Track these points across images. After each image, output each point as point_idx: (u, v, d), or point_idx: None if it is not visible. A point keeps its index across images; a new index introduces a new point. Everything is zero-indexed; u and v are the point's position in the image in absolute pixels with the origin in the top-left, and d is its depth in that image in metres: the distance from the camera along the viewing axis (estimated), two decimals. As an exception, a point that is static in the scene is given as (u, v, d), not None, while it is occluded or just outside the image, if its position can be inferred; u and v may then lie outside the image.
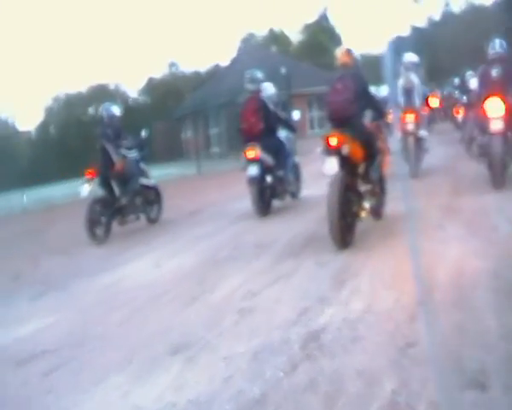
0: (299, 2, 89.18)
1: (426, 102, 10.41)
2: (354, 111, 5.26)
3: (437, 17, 38.86)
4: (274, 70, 22.11)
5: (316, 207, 7.02)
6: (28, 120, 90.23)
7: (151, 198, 8.66)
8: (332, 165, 5.02)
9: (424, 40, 38.24)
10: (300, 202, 8.29)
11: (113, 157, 7.91)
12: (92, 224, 7.56)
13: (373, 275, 4.23)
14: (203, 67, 48.86)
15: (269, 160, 7.66)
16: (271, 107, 7.94)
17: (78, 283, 5.79)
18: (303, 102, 27.31)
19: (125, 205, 7.97)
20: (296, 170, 8.45)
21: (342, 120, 5.23)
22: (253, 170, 7.42)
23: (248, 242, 6.31)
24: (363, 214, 5.40)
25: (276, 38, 48.86)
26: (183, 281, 5.21)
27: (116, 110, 8.49)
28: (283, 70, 19.84)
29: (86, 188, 7.69)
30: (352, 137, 5.09)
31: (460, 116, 13.86)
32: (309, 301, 3.92)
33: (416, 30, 40.57)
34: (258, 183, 7.45)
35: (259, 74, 8.12)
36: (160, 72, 51.11)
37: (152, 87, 50.14)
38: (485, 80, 7.10)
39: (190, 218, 8.84)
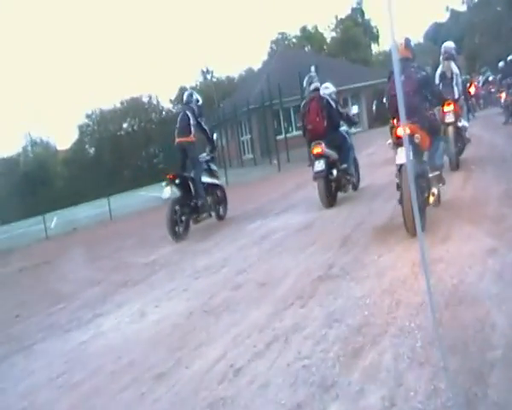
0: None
1: (466, 90, 10.20)
2: (419, 102, 5.45)
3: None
4: (307, 70, 23.24)
5: (376, 197, 7.69)
6: (67, 138, 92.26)
7: (220, 197, 9.37)
8: (403, 154, 5.08)
9: (463, 25, 36.87)
10: (361, 193, 8.60)
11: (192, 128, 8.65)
12: (173, 223, 8.17)
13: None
14: (236, 71, 48.42)
15: (333, 154, 8.12)
16: (333, 104, 8.44)
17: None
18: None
19: (200, 204, 8.62)
20: (355, 162, 8.87)
21: (409, 111, 5.07)
22: (320, 165, 7.86)
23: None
24: (432, 200, 5.46)
25: (309, 37, 48.00)
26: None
27: (198, 96, 9.35)
28: (312, 68, 19.59)
29: (167, 190, 8.35)
30: (420, 126, 5.26)
31: (503, 100, 13.80)
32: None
33: (454, 14, 38.90)
34: (324, 176, 7.89)
35: (316, 76, 9.12)
36: (192, 80, 51.03)
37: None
38: None
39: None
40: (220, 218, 9.35)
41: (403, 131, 4.90)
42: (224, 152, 29.06)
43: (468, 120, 11.38)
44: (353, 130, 10.76)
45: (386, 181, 7.70)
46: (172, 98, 52.45)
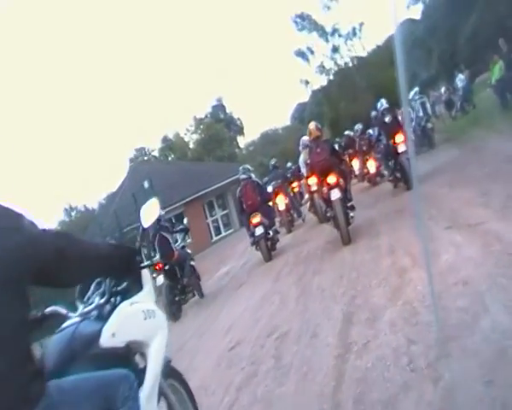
0: (190, 99, 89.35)
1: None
2: (332, 162, 8.48)
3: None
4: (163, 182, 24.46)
5: (294, 245, 11.33)
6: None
7: (198, 276, 10.63)
8: (336, 193, 7.99)
9: (321, 100, 38.11)
10: (282, 247, 11.60)
11: (173, 247, 9.57)
12: (170, 306, 9.05)
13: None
14: (92, 201, 44.91)
15: (266, 221, 10.85)
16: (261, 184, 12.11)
17: None
18: (199, 207, 26.62)
19: (187, 284, 9.75)
20: None
21: (324, 170, 8.30)
22: (259, 230, 10.53)
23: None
24: (351, 221, 8.52)
25: (172, 145, 46.37)
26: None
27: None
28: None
29: (161, 278, 9.03)
30: (339, 175, 8.35)
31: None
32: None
33: (314, 93, 40.16)
34: (264, 238, 10.61)
35: (249, 167, 11.97)
36: (53, 220, 46.50)
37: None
38: None
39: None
40: (202, 295, 10.39)
41: (332, 178, 8.09)
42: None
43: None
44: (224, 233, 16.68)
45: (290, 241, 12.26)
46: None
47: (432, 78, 31.19)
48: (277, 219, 13.29)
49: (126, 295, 2.51)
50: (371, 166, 14.66)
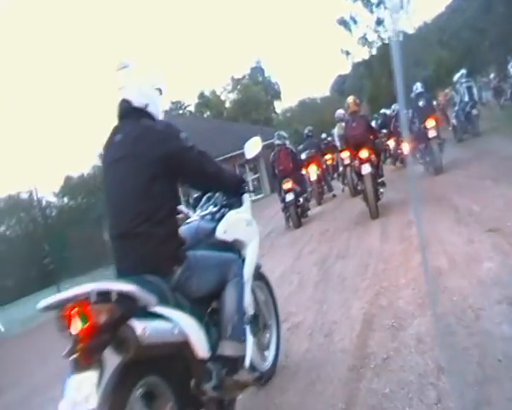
0: (229, 59, 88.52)
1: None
2: (368, 136, 8.79)
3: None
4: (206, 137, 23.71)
5: (326, 215, 11.55)
6: None
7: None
8: (367, 167, 8.24)
9: (364, 74, 37.13)
10: (310, 219, 11.75)
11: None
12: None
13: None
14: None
15: (298, 188, 11.25)
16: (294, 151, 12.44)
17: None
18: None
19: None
20: None
21: (358, 144, 8.49)
22: (290, 196, 10.87)
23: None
24: (381, 197, 8.73)
25: (208, 102, 45.69)
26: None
27: None
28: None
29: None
30: (372, 150, 8.57)
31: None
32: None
33: (355, 66, 38.92)
34: (294, 204, 10.97)
35: (284, 134, 12.24)
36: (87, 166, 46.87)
37: (70, 187, 45.55)
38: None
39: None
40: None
41: (365, 153, 8.32)
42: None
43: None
44: (254, 197, 14.17)
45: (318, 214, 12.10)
46: (57, 191, 47.51)
47: (481, 61, 29.83)
48: (308, 190, 13.07)
49: (231, 208, 3.42)
50: (405, 147, 14.27)
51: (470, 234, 5.22)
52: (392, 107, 15.98)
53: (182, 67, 77.90)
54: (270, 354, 3.74)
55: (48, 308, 2.27)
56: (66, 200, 47.34)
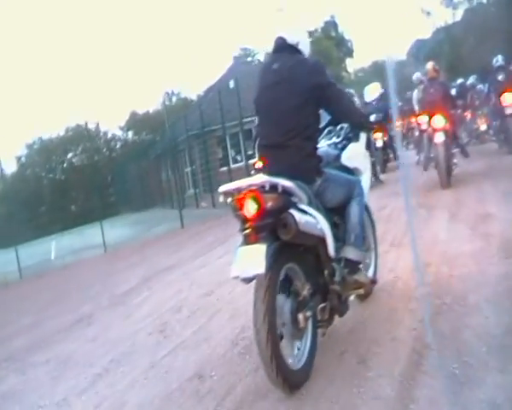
0: (301, 9, 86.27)
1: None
2: (444, 102, 8.60)
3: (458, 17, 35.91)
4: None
5: (381, 194, 9.50)
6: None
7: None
8: (441, 136, 8.17)
9: (445, 39, 34.88)
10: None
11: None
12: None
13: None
14: (197, 92, 44.30)
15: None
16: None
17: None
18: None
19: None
20: None
21: (438, 108, 8.33)
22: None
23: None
24: (454, 168, 8.61)
25: (276, 52, 44.59)
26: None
27: None
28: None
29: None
30: (449, 118, 8.47)
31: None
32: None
33: (436, 30, 36.82)
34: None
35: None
36: (155, 103, 47.46)
37: (135, 122, 46.28)
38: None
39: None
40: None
41: (440, 121, 8.29)
42: (168, 188, 25.23)
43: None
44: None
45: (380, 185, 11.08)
46: (122, 125, 48.38)
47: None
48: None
49: (350, 141, 3.99)
50: (481, 122, 13.92)
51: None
52: (470, 78, 15.32)
53: (252, 13, 76.66)
54: (370, 273, 4.14)
55: (226, 193, 3.00)
56: (130, 135, 48.48)
